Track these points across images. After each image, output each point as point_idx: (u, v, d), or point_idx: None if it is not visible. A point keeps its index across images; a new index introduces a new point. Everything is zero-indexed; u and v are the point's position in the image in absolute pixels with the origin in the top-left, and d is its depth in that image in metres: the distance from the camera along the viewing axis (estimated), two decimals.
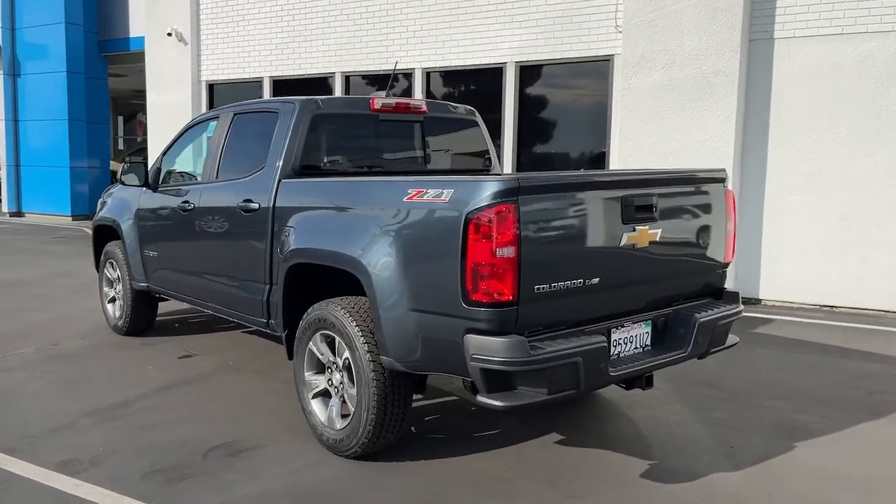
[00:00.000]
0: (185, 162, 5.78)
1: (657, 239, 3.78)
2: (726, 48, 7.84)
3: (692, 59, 8.02)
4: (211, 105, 11.78)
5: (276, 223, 4.49)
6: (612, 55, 8.74)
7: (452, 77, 9.95)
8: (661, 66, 8.18)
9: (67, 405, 4.88)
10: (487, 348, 3.25)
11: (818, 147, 7.93)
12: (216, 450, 4.18)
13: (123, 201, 6.44)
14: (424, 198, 3.50)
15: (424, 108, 5.18)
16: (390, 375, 3.78)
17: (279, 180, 4.53)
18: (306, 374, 4.26)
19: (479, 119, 5.52)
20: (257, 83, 11.31)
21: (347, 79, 10.57)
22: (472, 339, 3.29)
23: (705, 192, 4.16)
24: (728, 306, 4.20)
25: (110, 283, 6.79)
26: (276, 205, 4.50)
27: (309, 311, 4.18)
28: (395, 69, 5.72)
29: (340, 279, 4.03)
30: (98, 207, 6.96)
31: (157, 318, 7.05)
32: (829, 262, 7.96)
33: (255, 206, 4.66)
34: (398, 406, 3.86)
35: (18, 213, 18.07)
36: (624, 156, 8.47)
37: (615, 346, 3.73)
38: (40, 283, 9.30)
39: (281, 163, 4.56)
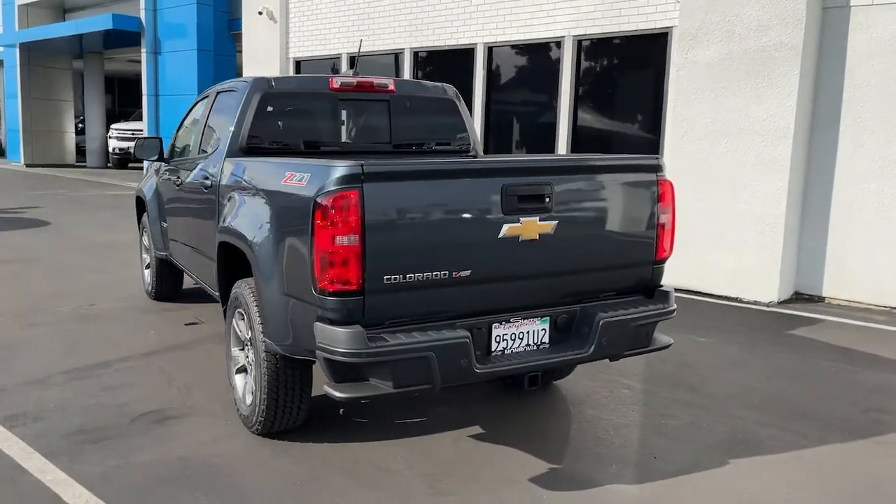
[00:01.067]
0: (187, 138, 6.04)
1: (551, 231, 3.52)
2: (790, 18, 7.08)
3: (752, 31, 7.32)
4: None
5: (220, 200, 4.61)
6: (670, 28, 8.15)
7: (512, 53, 9.67)
8: (718, 38, 7.53)
9: (55, 362, 5.29)
10: (329, 338, 3.20)
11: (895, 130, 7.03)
12: (147, 415, 4.40)
13: (151, 175, 6.85)
14: (293, 181, 3.47)
15: (392, 86, 5.09)
16: (282, 359, 3.80)
17: (225, 158, 4.65)
18: (232, 349, 4.38)
19: (456, 97, 5.35)
20: (336, 60, 11.56)
21: (416, 54, 10.56)
22: (318, 328, 3.25)
23: (629, 182, 3.82)
24: (652, 306, 3.85)
25: (146, 250, 7.26)
26: (221, 183, 4.62)
27: (233, 288, 4.28)
28: (359, 50, 5.64)
29: None
30: (143, 178, 7.44)
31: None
32: None
33: (209, 183, 4.81)
34: (292, 390, 3.87)
35: None
36: (677, 137, 7.91)
37: (498, 342, 3.55)
38: (124, 247, 10.07)
39: (229, 141, 4.67)
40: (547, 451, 3.99)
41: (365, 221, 3.14)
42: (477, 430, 4.27)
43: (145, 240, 7.22)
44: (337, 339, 3.16)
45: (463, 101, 5.39)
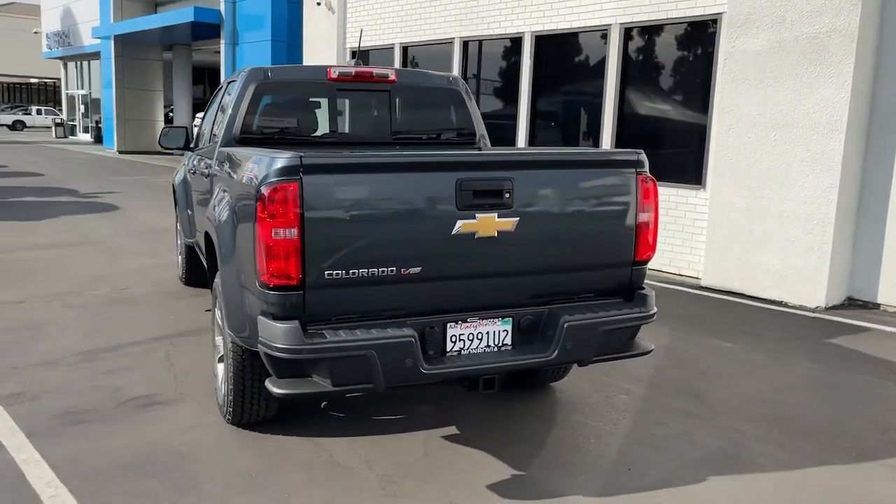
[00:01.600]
0: (205, 127, 6.12)
1: (511, 229, 3.36)
2: (845, 2, 6.57)
3: (804, 17, 6.84)
4: None
5: (213, 189, 4.63)
6: (720, 14, 7.71)
7: (558, 41, 9.38)
8: (768, 24, 7.07)
9: (72, 344, 5.47)
10: (269, 332, 3.15)
11: None
12: (134, 400, 4.48)
13: (182, 164, 7.01)
14: (248, 172, 3.43)
15: (393, 77, 5.00)
16: (246, 350, 3.78)
17: (220, 147, 4.67)
18: (216, 337, 4.40)
19: (461, 88, 5.20)
20: (390, 50, 11.54)
21: (466, 44, 10.42)
22: (261, 322, 3.21)
23: (604, 178, 3.60)
24: (627, 310, 3.63)
25: (180, 236, 7.45)
26: (213, 172, 4.65)
27: (215, 277, 4.29)
28: (360, 39, 5.55)
29: None
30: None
31: None
32: None
33: (208, 172, 4.86)
34: (258, 382, 3.83)
35: None
36: (723, 129, 7.50)
37: (454, 342, 3.42)
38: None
39: (224, 131, 4.70)
40: (517, 457, 3.84)
41: (304, 215, 3.07)
42: (452, 430, 4.16)
43: (179, 226, 7.40)
44: (275, 333, 3.12)
45: (470, 92, 5.25)
